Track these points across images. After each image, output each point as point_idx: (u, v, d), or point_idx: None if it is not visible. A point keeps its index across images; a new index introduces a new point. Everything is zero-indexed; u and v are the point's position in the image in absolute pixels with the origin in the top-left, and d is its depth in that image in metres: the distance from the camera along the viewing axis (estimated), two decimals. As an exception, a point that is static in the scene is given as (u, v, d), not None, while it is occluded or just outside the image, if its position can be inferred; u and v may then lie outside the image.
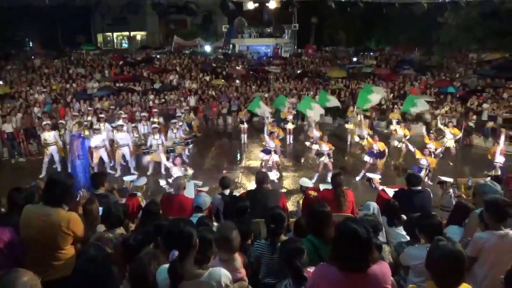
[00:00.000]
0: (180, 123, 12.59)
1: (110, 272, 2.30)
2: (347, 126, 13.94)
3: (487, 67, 19.67)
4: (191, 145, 12.42)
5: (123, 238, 3.52)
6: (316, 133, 11.68)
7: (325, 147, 10.23)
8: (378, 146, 10.26)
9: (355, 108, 13.88)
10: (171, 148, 10.98)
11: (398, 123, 12.95)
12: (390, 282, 2.41)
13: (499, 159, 9.32)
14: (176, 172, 8.52)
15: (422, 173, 9.13)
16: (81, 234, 3.34)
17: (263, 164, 10.66)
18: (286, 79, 21.42)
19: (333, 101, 14.72)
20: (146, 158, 10.83)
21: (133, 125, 12.11)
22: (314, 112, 13.28)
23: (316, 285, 2.43)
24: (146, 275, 2.62)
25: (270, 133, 10.89)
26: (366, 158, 10.42)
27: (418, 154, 9.55)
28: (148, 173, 10.54)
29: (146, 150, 10.77)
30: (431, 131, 11.55)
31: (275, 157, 10.60)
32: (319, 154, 10.32)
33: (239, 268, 2.97)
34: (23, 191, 3.91)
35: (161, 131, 11.63)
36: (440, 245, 2.33)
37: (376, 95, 13.10)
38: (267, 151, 10.58)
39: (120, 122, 11.67)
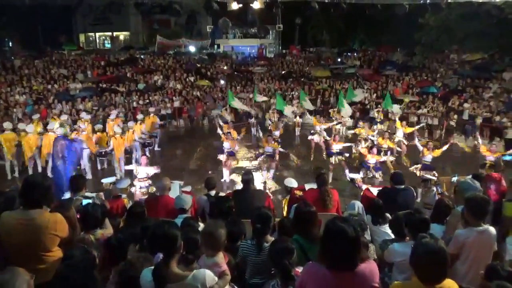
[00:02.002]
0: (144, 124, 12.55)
1: (91, 278, 2.26)
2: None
3: (468, 68, 20.11)
4: (150, 147, 12.43)
5: (105, 239, 3.49)
6: (276, 133, 11.89)
7: (269, 148, 10.26)
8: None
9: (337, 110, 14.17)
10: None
11: (380, 123, 13.13)
12: (378, 281, 2.44)
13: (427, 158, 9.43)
14: (142, 172, 8.41)
15: (368, 172, 9.37)
16: (66, 235, 3.29)
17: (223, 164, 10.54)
18: (271, 80, 21.50)
19: (308, 104, 15.40)
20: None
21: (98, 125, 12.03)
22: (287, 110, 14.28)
23: (305, 283, 2.44)
24: (136, 278, 2.59)
25: (227, 133, 10.77)
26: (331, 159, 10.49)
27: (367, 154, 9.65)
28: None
29: (101, 152, 10.71)
30: (387, 131, 11.77)
31: (230, 158, 10.50)
32: (260, 155, 10.45)
33: (220, 263, 2.97)
34: (2, 195, 3.82)
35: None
36: (423, 242, 2.38)
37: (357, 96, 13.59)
38: (221, 151, 10.47)
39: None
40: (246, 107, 15.74)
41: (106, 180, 7.00)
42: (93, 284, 2.28)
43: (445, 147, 9.57)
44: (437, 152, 9.32)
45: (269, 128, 12.84)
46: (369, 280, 2.37)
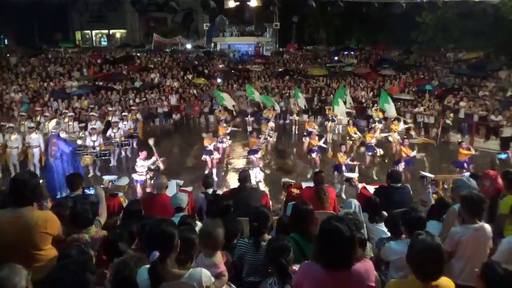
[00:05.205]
0: (125, 123, 12.56)
1: (83, 280, 2.24)
2: (327, 124, 14.14)
3: (464, 66, 20.17)
4: (127, 147, 12.22)
5: (101, 236, 3.47)
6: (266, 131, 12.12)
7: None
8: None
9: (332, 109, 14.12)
10: (105, 152, 10.81)
11: (379, 122, 13.14)
12: (374, 280, 2.44)
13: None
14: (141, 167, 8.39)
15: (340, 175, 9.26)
16: (58, 233, 3.27)
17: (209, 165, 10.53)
18: (268, 78, 21.49)
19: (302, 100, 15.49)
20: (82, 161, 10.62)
21: (82, 124, 12.04)
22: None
23: (300, 282, 2.44)
24: (131, 278, 2.58)
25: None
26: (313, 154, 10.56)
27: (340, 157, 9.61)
28: (89, 175, 10.46)
29: (80, 151, 10.55)
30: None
31: (215, 155, 10.59)
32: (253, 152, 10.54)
33: (217, 264, 2.97)
34: (1, 193, 3.80)
35: (99, 133, 11.45)
36: (420, 239, 2.39)
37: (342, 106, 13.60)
38: (209, 152, 10.47)
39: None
40: (232, 103, 15.53)
41: (107, 178, 6.99)
42: (85, 286, 2.26)
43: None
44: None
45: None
46: (364, 279, 2.37)
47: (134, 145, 13.13)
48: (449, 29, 21.66)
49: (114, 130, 11.71)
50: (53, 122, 11.03)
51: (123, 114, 13.52)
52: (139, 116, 14.45)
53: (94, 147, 10.67)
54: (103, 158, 10.86)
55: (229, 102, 15.17)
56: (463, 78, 18.39)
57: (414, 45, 24.12)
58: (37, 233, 3.09)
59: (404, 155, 9.58)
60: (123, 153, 12.30)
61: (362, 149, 11.20)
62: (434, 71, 20.29)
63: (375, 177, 10.17)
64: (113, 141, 11.55)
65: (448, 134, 14.53)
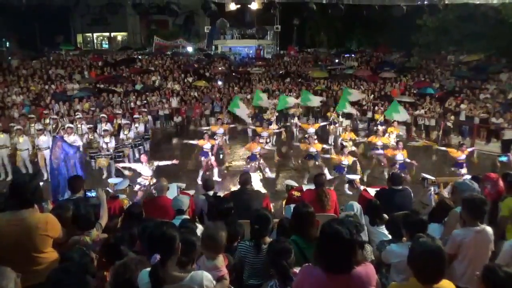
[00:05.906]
0: (137, 125, 12.57)
1: (84, 282, 2.24)
2: (329, 126, 14.13)
3: (465, 69, 20.17)
4: (140, 147, 12.20)
5: (102, 239, 3.47)
6: (264, 134, 12.09)
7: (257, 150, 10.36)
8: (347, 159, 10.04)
9: (335, 111, 14.22)
10: (119, 154, 10.86)
11: (381, 124, 13.11)
12: (374, 284, 2.43)
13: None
14: (146, 170, 8.34)
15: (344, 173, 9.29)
16: (59, 235, 3.27)
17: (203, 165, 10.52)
18: (269, 80, 21.50)
19: (315, 101, 15.53)
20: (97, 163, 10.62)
21: (89, 126, 12.05)
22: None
23: (301, 285, 2.44)
24: (132, 281, 2.57)
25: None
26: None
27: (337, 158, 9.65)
28: (104, 176, 10.44)
29: (93, 154, 10.59)
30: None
31: (211, 158, 10.59)
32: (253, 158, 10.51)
33: (219, 267, 2.97)
34: (2, 195, 3.80)
35: (112, 135, 11.46)
36: (421, 242, 2.39)
37: (354, 96, 14.23)
38: (205, 154, 10.48)
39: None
40: (246, 117, 14.72)
41: (112, 181, 6.98)
42: None
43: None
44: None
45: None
46: (365, 283, 2.37)
47: (147, 147, 13.11)
48: (449, 32, 21.66)
49: (126, 132, 11.69)
50: (73, 137, 11.00)
51: (134, 117, 13.51)
52: (149, 117, 14.53)
53: (108, 149, 10.66)
54: (117, 159, 10.80)
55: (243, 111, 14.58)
56: (464, 81, 18.39)
57: (415, 48, 24.12)
58: (38, 236, 3.09)
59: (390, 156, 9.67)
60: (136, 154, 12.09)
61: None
62: (435, 74, 20.29)
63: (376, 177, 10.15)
64: (126, 143, 11.52)
65: (449, 137, 14.51)
